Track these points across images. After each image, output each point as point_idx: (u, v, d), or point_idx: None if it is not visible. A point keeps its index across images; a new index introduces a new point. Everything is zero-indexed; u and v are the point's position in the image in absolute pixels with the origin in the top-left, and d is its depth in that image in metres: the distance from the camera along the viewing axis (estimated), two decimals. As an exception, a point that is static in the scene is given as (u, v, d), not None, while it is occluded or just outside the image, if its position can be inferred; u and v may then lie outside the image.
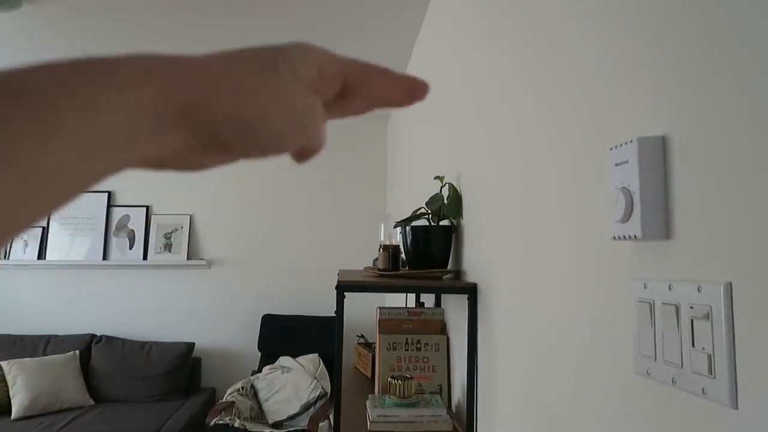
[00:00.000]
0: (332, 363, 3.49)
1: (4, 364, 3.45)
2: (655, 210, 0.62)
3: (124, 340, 3.79)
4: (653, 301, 0.63)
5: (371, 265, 2.04)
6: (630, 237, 0.64)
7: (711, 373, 0.53)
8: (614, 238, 0.67)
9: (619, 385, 0.71)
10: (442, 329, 1.78)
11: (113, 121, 0.19)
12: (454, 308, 1.71)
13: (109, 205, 4.02)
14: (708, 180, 0.56)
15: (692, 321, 0.56)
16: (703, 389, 0.54)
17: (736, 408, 0.50)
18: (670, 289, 0.60)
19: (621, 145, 0.66)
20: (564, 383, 0.89)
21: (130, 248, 3.98)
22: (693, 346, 0.56)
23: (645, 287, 0.64)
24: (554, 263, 0.94)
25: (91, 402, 3.53)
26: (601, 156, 0.77)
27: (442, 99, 2.02)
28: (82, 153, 0.19)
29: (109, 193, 4.03)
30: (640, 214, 0.62)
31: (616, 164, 0.67)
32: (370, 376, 2.09)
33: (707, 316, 0.54)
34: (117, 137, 0.20)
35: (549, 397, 0.95)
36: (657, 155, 0.62)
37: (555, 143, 0.94)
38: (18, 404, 3.28)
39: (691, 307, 0.56)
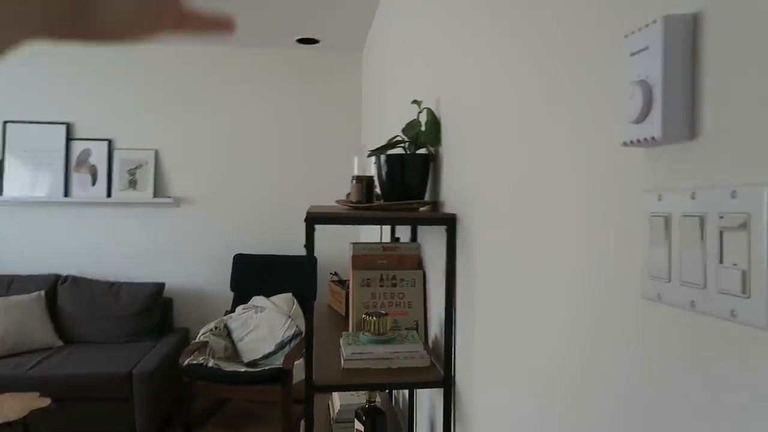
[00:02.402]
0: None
1: (-36, 305, 3.31)
2: (680, 105, 0.51)
3: (90, 281, 3.66)
4: (670, 215, 0.53)
5: (344, 198, 1.93)
6: (645, 140, 0.54)
7: (745, 293, 0.44)
8: (625, 144, 0.57)
9: (621, 312, 0.63)
10: (419, 264, 1.70)
11: None
12: (432, 242, 1.63)
13: (68, 139, 3.78)
14: (749, 64, 0.45)
15: (721, 233, 0.47)
16: (732, 311, 0.46)
17: (776, 333, 0.42)
18: (693, 198, 0.50)
19: (640, 29, 0.55)
20: (554, 313, 0.81)
21: (93, 185, 3.78)
22: (721, 262, 0.47)
23: (660, 199, 0.55)
24: (545, 185, 0.84)
25: (60, 343, 3.44)
26: (609, 47, 0.65)
27: (419, 17, 1.86)
28: None
29: (68, 125, 3.78)
30: (662, 109, 0.51)
31: (632, 54, 0.56)
32: (344, 313, 2.03)
33: (744, 226, 0.44)
34: None
35: (535, 328, 0.88)
36: (686, 38, 0.51)
37: (550, 41, 0.82)
38: (-18, 346, 3.18)
39: (721, 217, 0.47)
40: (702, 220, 0.49)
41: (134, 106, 3.85)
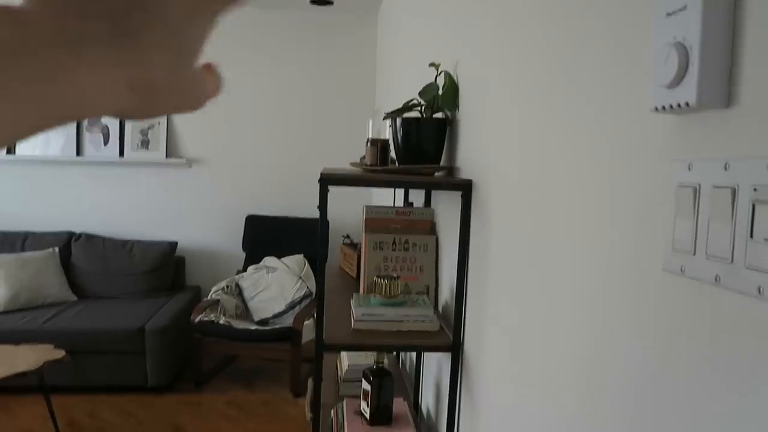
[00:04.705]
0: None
1: (-20, 259, 3.37)
2: (717, 69, 0.49)
3: (104, 239, 3.71)
4: (699, 185, 0.51)
5: (357, 161, 1.92)
6: (678, 106, 0.51)
7: (775, 269, 0.43)
8: (656, 109, 0.55)
9: (640, 286, 0.62)
10: (432, 229, 1.69)
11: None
12: (446, 208, 1.61)
13: (79, 97, 3.76)
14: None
15: (754, 206, 0.45)
16: (759, 288, 0.44)
17: (806, 310, 0.41)
18: (725, 168, 0.48)
19: (678, -13, 0.52)
20: (568, 283, 0.80)
21: (105, 144, 3.78)
22: (751, 236, 0.45)
23: (689, 169, 0.53)
24: (568, 150, 0.82)
25: (74, 298, 3.51)
26: (640, 5, 0.62)
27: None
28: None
29: (79, 83, 3.75)
30: (698, 74, 0.49)
31: (668, 14, 0.53)
32: (355, 276, 2.04)
33: (779, 199, 0.43)
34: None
35: (548, 298, 0.87)
36: (726, -2, 0.49)
37: (577, 4, 0.79)
38: (-1, 298, 3.25)
39: (755, 189, 0.45)
40: (734, 191, 0.47)
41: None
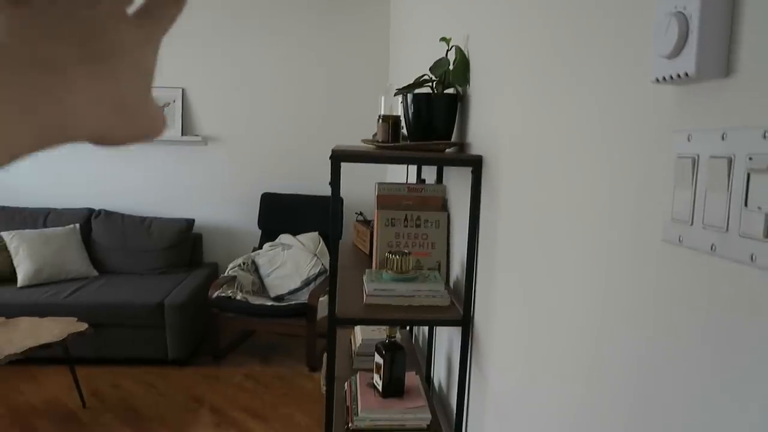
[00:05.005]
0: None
1: (5, 234, 3.46)
2: (717, 39, 0.49)
3: (123, 215, 3.78)
4: (697, 156, 0.52)
5: (370, 138, 1.92)
6: (678, 76, 0.52)
7: (767, 237, 0.43)
8: (657, 80, 0.55)
9: (641, 256, 0.62)
10: (443, 206, 1.70)
11: None
12: (457, 184, 1.62)
13: (96, 74, 3.81)
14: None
15: (749, 175, 0.46)
16: (752, 256, 0.45)
17: (796, 276, 0.42)
18: (723, 138, 0.49)
19: (681, -44, 0.51)
20: (572, 256, 0.81)
21: (122, 121, 3.83)
22: (746, 205, 0.46)
23: (689, 140, 0.53)
24: (574, 125, 0.82)
25: (95, 273, 3.60)
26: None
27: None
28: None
29: (97, 62, 3.79)
30: (697, 43, 0.49)
31: (671, -16, 0.53)
32: (368, 252, 2.06)
33: (772, 168, 0.43)
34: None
35: (553, 270, 0.88)
36: (729, -34, 0.48)
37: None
38: (23, 273, 3.34)
39: (750, 159, 0.45)
40: (730, 161, 0.47)
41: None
